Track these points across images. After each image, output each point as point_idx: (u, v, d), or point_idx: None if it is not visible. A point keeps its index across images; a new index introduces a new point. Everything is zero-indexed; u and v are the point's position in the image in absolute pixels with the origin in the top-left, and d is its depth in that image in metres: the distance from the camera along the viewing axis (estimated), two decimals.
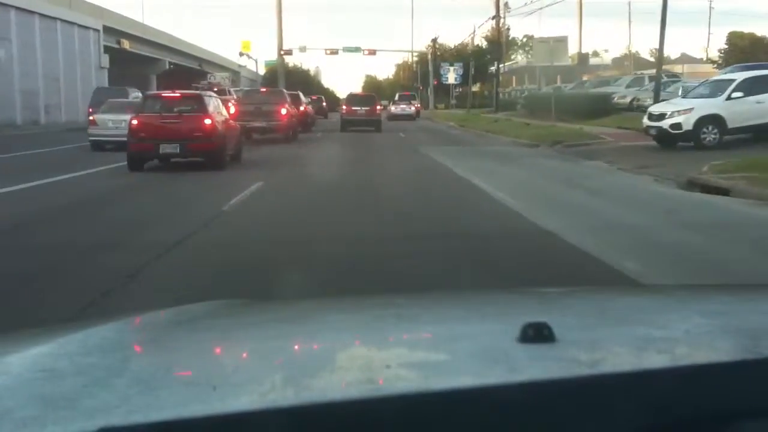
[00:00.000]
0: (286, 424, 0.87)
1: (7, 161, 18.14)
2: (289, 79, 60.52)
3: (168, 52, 64.43)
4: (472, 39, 69.54)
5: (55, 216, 9.46)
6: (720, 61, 51.71)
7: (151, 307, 2.28)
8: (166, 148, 14.93)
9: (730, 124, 17.97)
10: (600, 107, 30.82)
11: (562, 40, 27.61)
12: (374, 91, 54.56)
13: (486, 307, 1.58)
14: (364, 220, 8.93)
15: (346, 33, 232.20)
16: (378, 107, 34.69)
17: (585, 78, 51.34)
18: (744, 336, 1.15)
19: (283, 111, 24.76)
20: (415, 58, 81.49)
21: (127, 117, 16.23)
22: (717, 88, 18.94)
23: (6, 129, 32.29)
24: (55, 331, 1.39)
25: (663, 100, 22.42)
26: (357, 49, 67.19)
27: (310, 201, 10.53)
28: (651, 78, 36.95)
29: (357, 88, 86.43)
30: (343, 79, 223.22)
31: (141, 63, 58.40)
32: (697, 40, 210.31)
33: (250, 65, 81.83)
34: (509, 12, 63.35)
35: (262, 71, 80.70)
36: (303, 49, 67.83)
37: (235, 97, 30.89)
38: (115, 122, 19.64)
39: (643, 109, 31.12)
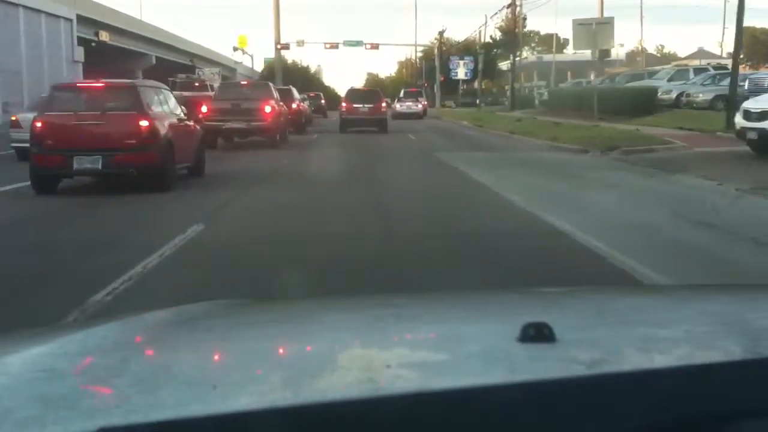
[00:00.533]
0: (286, 424, 0.85)
1: None
2: (287, 76, 56.84)
3: (155, 47, 60.13)
4: (479, 34, 65.24)
5: None
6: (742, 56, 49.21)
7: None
8: (82, 163, 10.29)
9: None
10: (642, 104, 26.33)
11: (607, 22, 22.58)
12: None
13: (486, 307, 1.57)
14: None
15: (346, 32, 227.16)
16: (383, 104, 29.82)
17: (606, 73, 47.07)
18: (744, 336, 1.15)
19: (268, 108, 19.86)
20: (419, 54, 77.33)
21: None
22: None
23: None
24: (55, 331, 1.44)
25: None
26: (359, 43, 63.04)
27: (270, 279, 5.38)
28: (697, 70, 32.40)
29: (358, 85, 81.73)
30: (343, 77, 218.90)
31: (125, 58, 53.88)
32: (704, 36, 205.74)
33: (247, 62, 77.56)
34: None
35: (261, 68, 76.45)
36: (301, 43, 63.94)
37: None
38: None
39: (693, 106, 26.67)
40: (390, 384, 0.98)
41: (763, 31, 59.27)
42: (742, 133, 14.48)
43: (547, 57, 73.32)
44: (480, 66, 54.80)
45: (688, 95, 27.48)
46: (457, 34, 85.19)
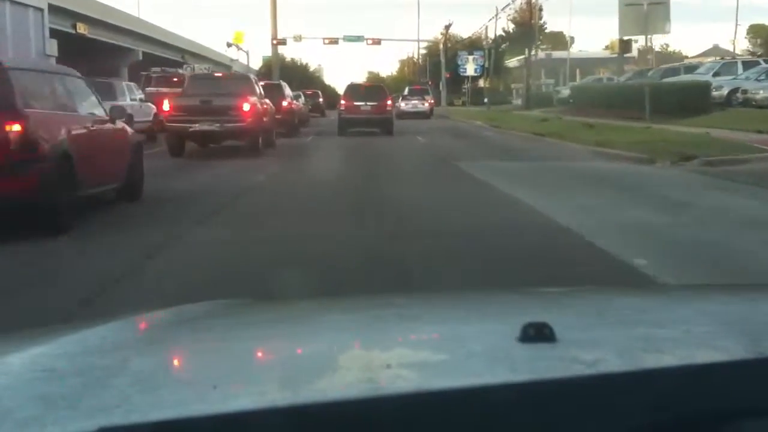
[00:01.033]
0: (286, 424, 0.84)
1: None
2: (285, 73, 53.29)
3: (143, 42, 56.33)
4: (486, 29, 61.55)
5: None
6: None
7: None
8: None
9: None
10: (692, 102, 22.53)
11: (661, 2, 18.60)
12: None
13: (486, 306, 1.55)
14: None
15: (346, 30, 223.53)
16: (389, 102, 25.73)
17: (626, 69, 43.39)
18: (745, 336, 1.12)
19: (246, 106, 15.77)
20: (423, 51, 73.49)
21: None
22: None
23: None
24: (55, 331, 1.38)
25: None
26: (359, 38, 59.52)
27: None
28: (746, 64, 28.59)
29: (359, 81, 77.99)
30: (343, 75, 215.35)
31: (108, 52, 50.14)
32: (716, 34, 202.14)
33: (243, 59, 73.81)
34: None
35: (259, 66, 72.79)
36: (298, 38, 60.26)
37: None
38: None
39: (753, 104, 22.84)
40: (390, 384, 0.97)
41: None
42: None
43: (556, 54, 69.84)
44: (491, 61, 51.06)
45: (744, 92, 23.60)
46: (460, 31, 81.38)
